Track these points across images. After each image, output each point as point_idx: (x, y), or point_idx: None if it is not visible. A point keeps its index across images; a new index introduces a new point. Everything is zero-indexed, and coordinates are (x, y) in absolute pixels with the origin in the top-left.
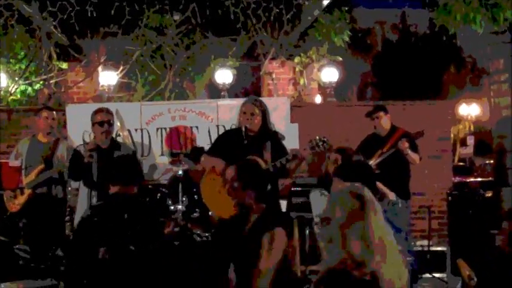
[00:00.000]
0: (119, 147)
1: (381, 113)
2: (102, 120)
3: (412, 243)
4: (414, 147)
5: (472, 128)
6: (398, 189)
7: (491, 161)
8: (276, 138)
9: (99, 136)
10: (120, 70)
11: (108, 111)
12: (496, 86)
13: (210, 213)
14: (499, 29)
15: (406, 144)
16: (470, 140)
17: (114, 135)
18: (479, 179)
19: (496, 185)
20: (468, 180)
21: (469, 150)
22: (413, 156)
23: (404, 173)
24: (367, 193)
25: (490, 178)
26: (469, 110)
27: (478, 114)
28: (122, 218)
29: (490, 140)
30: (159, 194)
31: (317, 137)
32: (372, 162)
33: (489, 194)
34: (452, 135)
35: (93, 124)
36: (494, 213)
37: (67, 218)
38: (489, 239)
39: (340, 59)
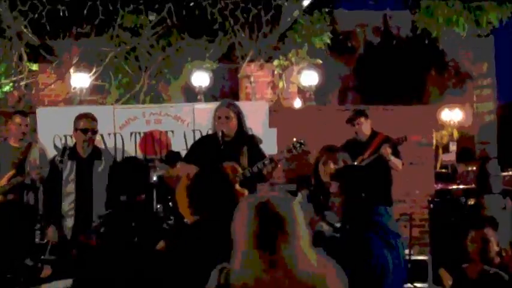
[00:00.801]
0: (99, 156)
1: (362, 119)
2: (86, 128)
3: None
4: (396, 153)
5: (455, 134)
6: (381, 195)
7: (474, 168)
8: (253, 143)
9: (80, 144)
10: (93, 72)
11: (93, 118)
12: (479, 91)
13: (185, 220)
14: (482, 32)
15: (389, 150)
16: (453, 146)
17: None
18: (461, 187)
19: (479, 192)
20: (450, 188)
21: (451, 156)
22: (395, 162)
23: (386, 180)
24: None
25: (473, 185)
26: (452, 115)
27: (460, 119)
28: (131, 226)
29: (473, 146)
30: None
31: (294, 139)
32: None
33: (472, 202)
34: (434, 141)
35: (75, 130)
36: (476, 221)
37: (37, 226)
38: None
39: (320, 61)
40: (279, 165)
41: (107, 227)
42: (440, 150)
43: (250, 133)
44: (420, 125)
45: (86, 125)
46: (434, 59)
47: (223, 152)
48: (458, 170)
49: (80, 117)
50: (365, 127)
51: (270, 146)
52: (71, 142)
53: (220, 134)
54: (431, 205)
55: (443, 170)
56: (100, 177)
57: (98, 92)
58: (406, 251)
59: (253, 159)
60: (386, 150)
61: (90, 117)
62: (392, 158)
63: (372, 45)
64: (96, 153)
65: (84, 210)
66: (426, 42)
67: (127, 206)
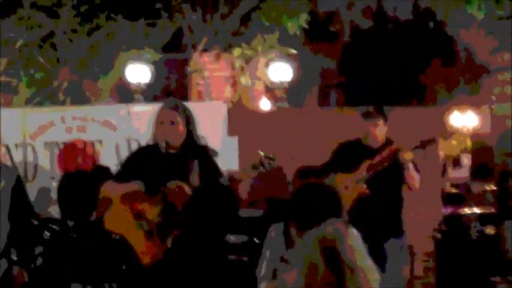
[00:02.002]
0: None
1: (381, 121)
2: None
3: None
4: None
5: (468, 143)
6: (390, 220)
7: (493, 187)
8: (205, 155)
9: None
10: None
11: None
12: (498, 89)
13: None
14: (503, 13)
15: (410, 155)
16: (466, 160)
17: None
18: (476, 210)
19: (499, 217)
20: (463, 213)
21: (464, 172)
22: (413, 175)
23: (397, 198)
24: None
25: (492, 209)
26: (464, 119)
27: (475, 125)
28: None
29: (491, 159)
30: (47, 233)
31: (262, 154)
32: (358, 178)
33: (490, 231)
34: (441, 153)
35: None
36: (496, 255)
37: None
38: None
39: (295, 51)
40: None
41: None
42: (450, 165)
43: (202, 143)
44: (423, 132)
45: None
46: (441, 48)
47: (167, 167)
48: (473, 189)
49: None
50: (380, 131)
51: (229, 159)
52: None
53: (163, 144)
54: (438, 235)
55: (454, 190)
56: None
57: (2, 90)
58: None
59: (206, 176)
60: (407, 154)
61: None
62: (411, 168)
63: (360, 30)
64: None
65: None
66: (431, 26)
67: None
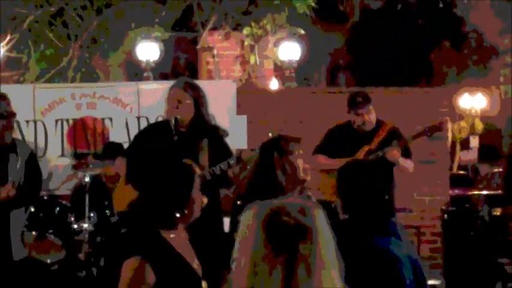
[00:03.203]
0: (14, 148)
1: (370, 105)
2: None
3: None
4: (406, 152)
5: (476, 125)
6: (383, 203)
7: (501, 169)
8: (215, 135)
9: None
10: (6, 41)
11: (3, 98)
12: (507, 71)
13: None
14: None
15: (398, 154)
16: (474, 142)
17: None
18: (484, 192)
19: (507, 200)
20: (470, 194)
21: (472, 154)
22: (404, 164)
23: (389, 181)
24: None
25: (499, 191)
26: (473, 101)
27: (484, 107)
28: None
29: (499, 141)
30: (57, 209)
31: (270, 134)
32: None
33: (497, 212)
34: (450, 135)
35: None
36: (503, 236)
37: None
38: (497, 270)
39: (303, 32)
40: (248, 167)
41: None
42: (458, 147)
43: (212, 122)
44: (431, 113)
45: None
46: (450, 29)
47: (176, 145)
48: (481, 171)
49: None
50: (373, 116)
51: (238, 138)
52: None
53: (172, 121)
54: (446, 216)
55: (462, 172)
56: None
57: (12, 67)
58: None
59: (215, 156)
60: (394, 153)
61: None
62: (401, 161)
63: (369, 10)
64: (12, 145)
65: None
66: (440, 5)
67: None
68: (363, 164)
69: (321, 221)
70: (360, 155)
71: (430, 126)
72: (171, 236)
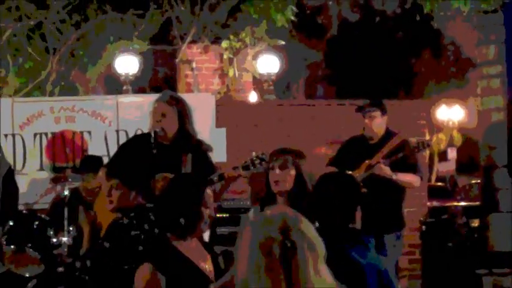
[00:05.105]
0: None
1: (377, 112)
2: None
3: None
4: (409, 166)
5: (454, 137)
6: (390, 216)
7: (479, 180)
8: (199, 150)
9: None
10: None
11: None
12: (485, 82)
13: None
14: (489, 7)
15: (386, 169)
16: (452, 153)
17: None
18: (462, 204)
19: (484, 210)
20: (448, 205)
21: (450, 166)
22: (404, 179)
23: (396, 195)
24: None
25: (477, 202)
26: (450, 113)
27: (461, 119)
28: None
29: (477, 152)
30: (36, 222)
31: (253, 154)
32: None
33: (475, 223)
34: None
35: None
36: (481, 247)
37: None
38: (475, 281)
39: (283, 43)
40: (230, 186)
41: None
42: (436, 158)
43: (197, 137)
44: (410, 126)
45: None
46: (427, 41)
47: (158, 160)
48: (459, 182)
49: None
50: (378, 124)
51: (217, 151)
52: None
53: (152, 135)
54: (424, 227)
55: (440, 183)
56: None
57: None
58: None
59: (198, 172)
60: (382, 169)
61: None
62: (399, 176)
63: (348, 23)
64: None
65: None
66: (417, 19)
67: None
68: (334, 177)
69: (309, 232)
70: (361, 169)
71: (419, 143)
72: (181, 241)
